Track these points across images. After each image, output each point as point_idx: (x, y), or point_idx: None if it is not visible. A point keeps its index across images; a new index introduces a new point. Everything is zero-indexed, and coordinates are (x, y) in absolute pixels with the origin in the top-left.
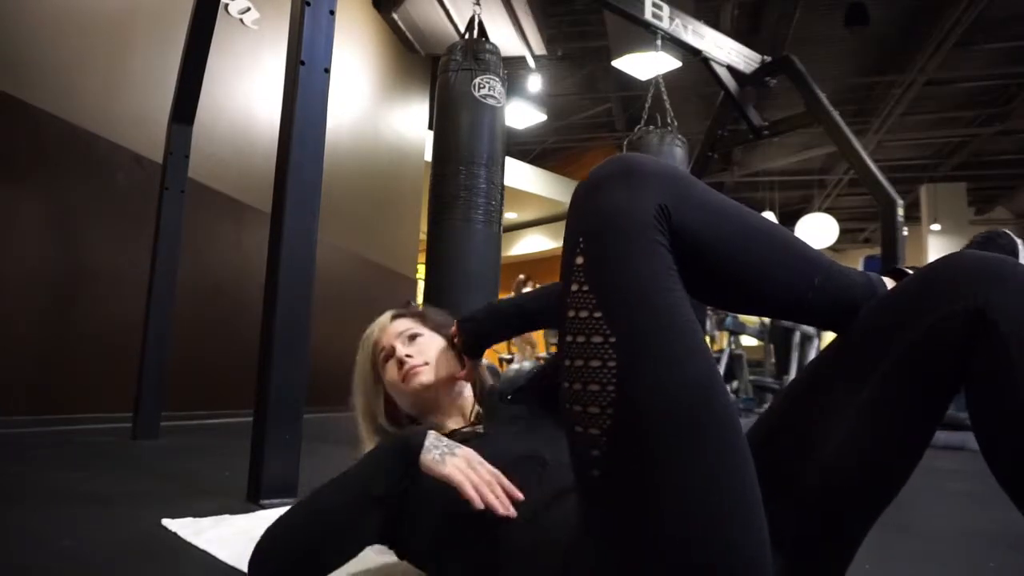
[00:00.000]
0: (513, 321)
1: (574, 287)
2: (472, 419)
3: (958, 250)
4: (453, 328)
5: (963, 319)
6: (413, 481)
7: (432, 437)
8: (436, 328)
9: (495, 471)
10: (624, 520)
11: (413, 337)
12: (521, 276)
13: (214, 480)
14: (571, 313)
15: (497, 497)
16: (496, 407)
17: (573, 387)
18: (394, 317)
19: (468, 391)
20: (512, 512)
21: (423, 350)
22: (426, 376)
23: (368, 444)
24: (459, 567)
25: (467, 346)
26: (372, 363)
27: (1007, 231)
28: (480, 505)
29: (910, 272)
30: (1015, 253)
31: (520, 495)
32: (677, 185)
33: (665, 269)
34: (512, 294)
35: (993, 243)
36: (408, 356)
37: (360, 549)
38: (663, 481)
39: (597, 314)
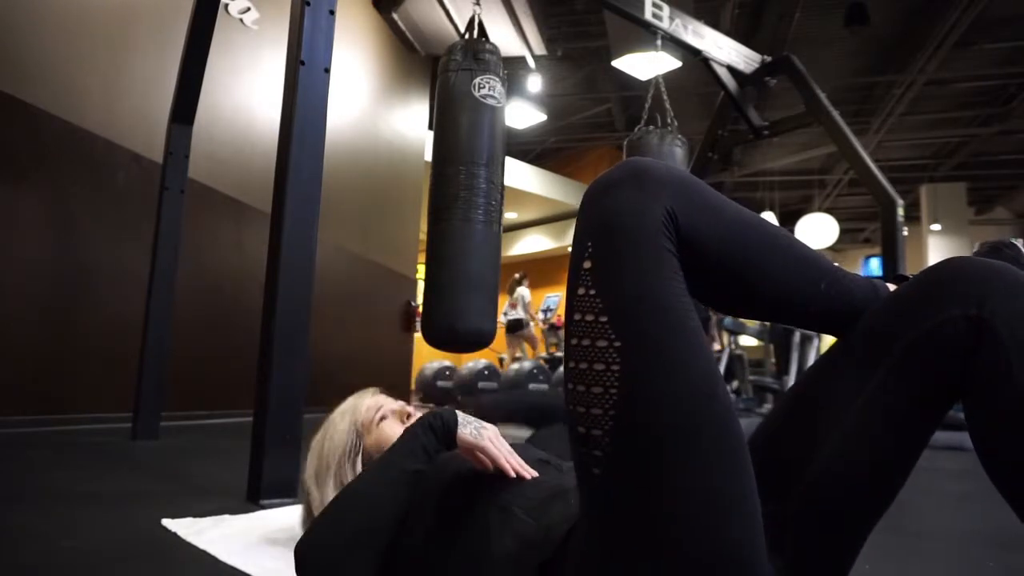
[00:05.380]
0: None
1: (580, 291)
2: None
3: (960, 255)
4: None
5: (962, 323)
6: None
7: (461, 415)
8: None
9: (509, 447)
10: (623, 518)
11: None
12: (516, 275)
13: (214, 480)
14: (577, 316)
15: (521, 466)
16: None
17: (576, 388)
18: (380, 392)
19: None
20: (535, 473)
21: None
22: None
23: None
24: (454, 553)
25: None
26: (356, 428)
27: (1014, 241)
28: (512, 475)
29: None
30: (1021, 264)
31: (532, 472)
32: (685, 191)
33: (671, 275)
34: (508, 295)
35: (999, 253)
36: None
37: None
38: (663, 481)
39: (603, 318)
